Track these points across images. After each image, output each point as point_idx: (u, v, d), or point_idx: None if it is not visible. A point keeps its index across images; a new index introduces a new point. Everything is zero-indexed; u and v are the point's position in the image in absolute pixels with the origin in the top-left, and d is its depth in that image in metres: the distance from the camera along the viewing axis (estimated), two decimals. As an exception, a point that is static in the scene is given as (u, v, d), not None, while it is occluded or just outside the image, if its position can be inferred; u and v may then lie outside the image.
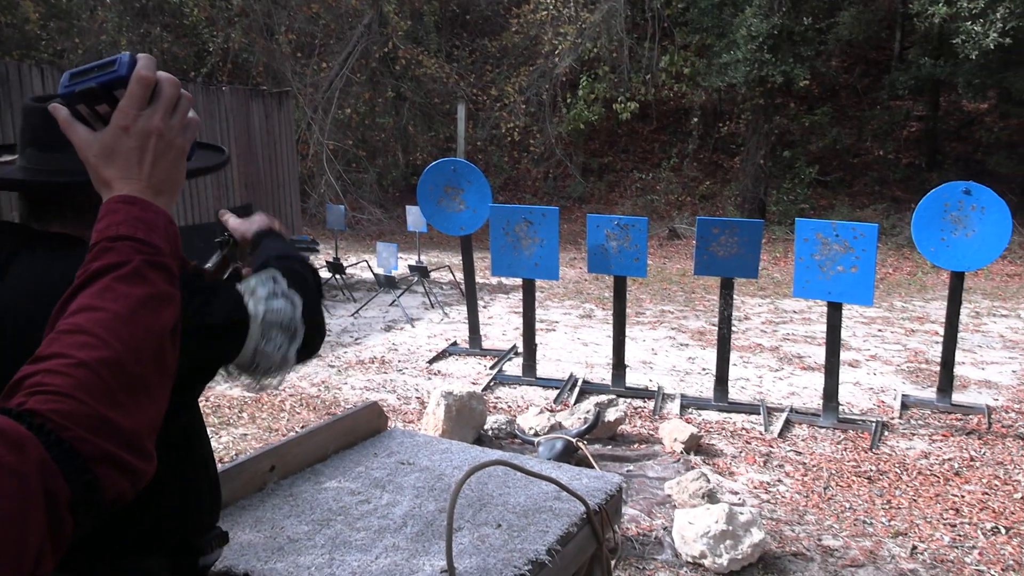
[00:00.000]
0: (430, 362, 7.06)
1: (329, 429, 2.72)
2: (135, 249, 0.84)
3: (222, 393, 6.04)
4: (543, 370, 6.64)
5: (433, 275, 10.23)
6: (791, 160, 16.10)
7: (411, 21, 18.01)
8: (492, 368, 6.83)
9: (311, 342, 1.34)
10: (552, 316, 8.95)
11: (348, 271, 10.03)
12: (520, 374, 6.49)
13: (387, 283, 8.50)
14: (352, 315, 8.78)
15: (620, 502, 2.58)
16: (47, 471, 0.68)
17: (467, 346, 7.36)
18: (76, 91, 0.91)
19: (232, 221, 1.59)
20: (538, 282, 10.31)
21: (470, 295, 7.20)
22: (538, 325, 8.33)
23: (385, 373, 6.76)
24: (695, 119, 17.16)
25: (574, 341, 7.89)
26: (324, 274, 9.68)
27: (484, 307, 9.32)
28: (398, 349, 7.52)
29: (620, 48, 16.99)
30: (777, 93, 16.05)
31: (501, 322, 8.69)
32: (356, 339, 7.89)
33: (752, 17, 14.16)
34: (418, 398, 6.11)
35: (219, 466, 1.76)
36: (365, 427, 2.86)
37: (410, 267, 8.77)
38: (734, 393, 6.13)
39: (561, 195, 17.57)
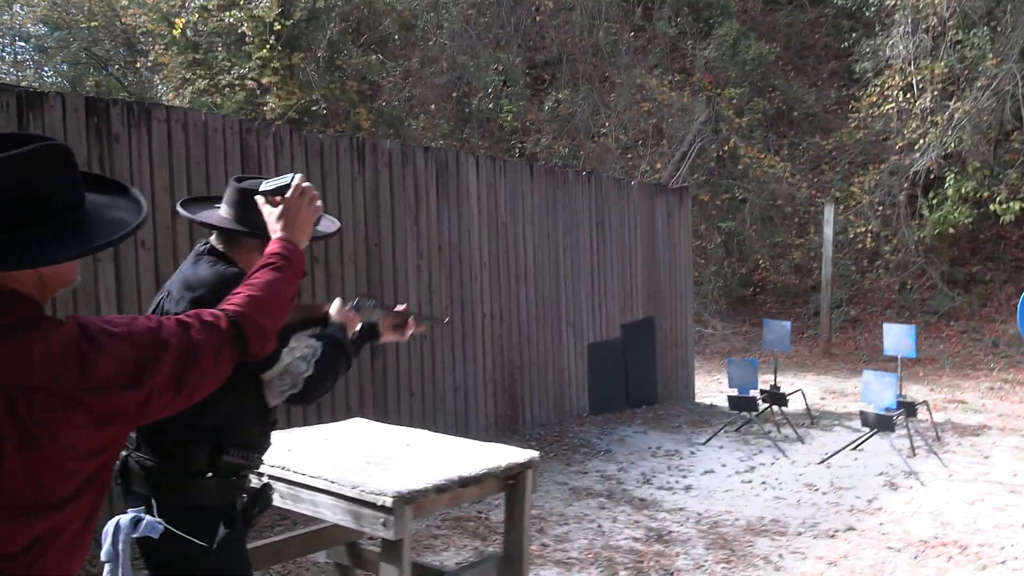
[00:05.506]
0: (1031, 552, 4.97)
1: None
2: (280, 258, 1.85)
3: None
4: None
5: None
6: None
7: (738, 119, 16.57)
8: None
9: (304, 396, 2.30)
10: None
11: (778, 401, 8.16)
12: None
13: (880, 424, 6.52)
14: (822, 462, 6.86)
15: None
16: (229, 332, 1.62)
17: (1063, 527, 5.21)
18: (267, 190, 2.01)
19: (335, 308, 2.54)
20: None
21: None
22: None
23: (986, 569, 4.73)
24: (1098, 221, 14.22)
25: None
26: (761, 405, 7.89)
27: (985, 457, 7.12)
28: (952, 524, 5.48)
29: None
30: None
31: (1038, 484, 6.44)
32: (869, 501, 5.95)
33: None
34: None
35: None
36: None
37: (899, 403, 6.80)
38: None
39: (922, 310, 15.04)
